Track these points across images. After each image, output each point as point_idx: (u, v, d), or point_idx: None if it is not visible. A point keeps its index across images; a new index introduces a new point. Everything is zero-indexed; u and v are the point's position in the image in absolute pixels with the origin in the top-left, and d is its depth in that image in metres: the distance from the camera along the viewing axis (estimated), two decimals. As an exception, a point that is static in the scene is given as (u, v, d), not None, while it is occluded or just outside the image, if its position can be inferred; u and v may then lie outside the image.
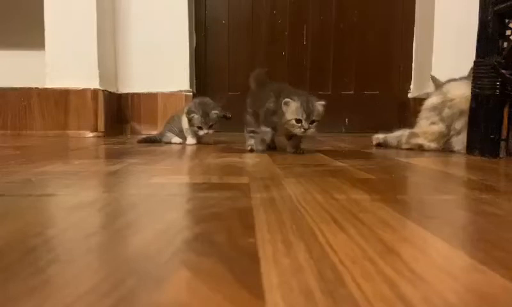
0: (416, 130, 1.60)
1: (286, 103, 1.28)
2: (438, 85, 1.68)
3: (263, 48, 2.69)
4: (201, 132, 1.75)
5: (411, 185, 0.88)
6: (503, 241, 0.45)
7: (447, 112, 1.52)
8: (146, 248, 0.41)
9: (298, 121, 1.28)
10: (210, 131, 1.76)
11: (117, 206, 0.61)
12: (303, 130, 1.28)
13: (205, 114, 1.74)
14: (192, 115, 1.74)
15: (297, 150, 1.38)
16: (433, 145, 1.53)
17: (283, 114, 1.29)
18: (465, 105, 1.43)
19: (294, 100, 1.28)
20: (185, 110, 1.78)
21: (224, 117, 1.89)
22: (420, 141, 1.56)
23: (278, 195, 0.68)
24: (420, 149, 1.54)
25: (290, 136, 1.38)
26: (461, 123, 1.47)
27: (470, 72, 1.55)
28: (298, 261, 0.37)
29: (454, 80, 1.62)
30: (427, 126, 1.56)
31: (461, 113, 1.46)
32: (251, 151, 1.41)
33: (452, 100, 1.52)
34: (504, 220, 0.54)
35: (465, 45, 1.73)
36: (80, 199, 0.64)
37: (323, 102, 1.30)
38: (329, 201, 0.63)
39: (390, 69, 2.66)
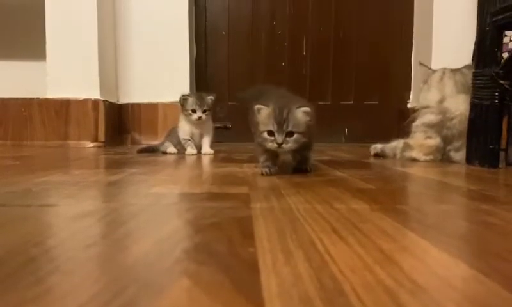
0: (410, 141, 1.59)
1: (258, 111, 1.03)
2: (427, 73, 1.69)
3: (263, 58, 2.70)
4: (194, 116, 1.71)
5: (410, 195, 0.88)
6: (503, 251, 0.45)
7: (445, 132, 1.52)
8: (146, 257, 0.41)
9: (270, 133, 1.01)
10: (204, 116, 1.72)
11: (117, 216, 0.61)
12: (275, 145, 1.00)
13: (200, 97, 1.74)
14: (185, 98, 1.73)
15: (302, 166, 1.12)
16: (428, 158, 1.53)
17: (257, 124, 1.04)
18: (465, 124, 1.42)
19: (267, 107, 1.02)
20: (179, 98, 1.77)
21: (225, 127, 1.90)
22: (414, 154, 1.55)
23: (278, 205, 0.68)
24: (415, 161, 1.53)
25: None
26: (460, 142, 1.47)
27: (464, 67, 1.58)
28: (298, 271, 0.37)
29: (445, 70, 1.64)
30: (422, 140, 1.56)
31: (461, 134, 1.46)
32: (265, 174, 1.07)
33: (451, 119, 1.51)
34: (504, 231, 0.54)
35: (465, 53, 1.74)
36: (81, 210, 0.65)
37: (307, 109, 1.01)
38: (329, 211, 0.63)
39: (389, 79, 2.67)
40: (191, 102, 1.73)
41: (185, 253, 0.43)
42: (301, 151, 1.07)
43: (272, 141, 1.00)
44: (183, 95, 1.76)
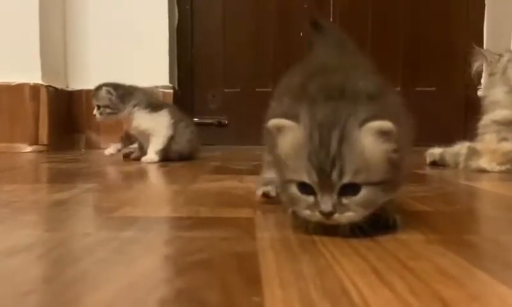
0: (478, 146, 1.58)
1: (277, 130, 0.71)
2: (492, 61, 1.68)
3: (272, 26, 2.71)
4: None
5: (481, 221, 0.87)
6: None
7: None
8: (107, 311, 0.41)
9: (304, 188, 0.69)
10: (97, 115, 1.80)
11: (66, 251, 0.61)
12: (318, 215, 0.68)
13: (96, 90, 1.83)
14: None
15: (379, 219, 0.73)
16: (504, 168, 1.52)
17: (278, 159, 0.73)
18: None
19: (295, 123, 0.69)
20: None
21: (219, 124, 1.92)
22: (483, 163, 1.53)
23: (295, 235, 0.68)
24: (484, 172, 1.52)
25: None
26: None
27: None
28: (323, 330, 0.37)
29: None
30: (495, 144, 1.55)
31: None
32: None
33: None
34: None
35: None
36: (15, 242, 0.64)
37: (386, 125, 0.64)
38: (366, 244, 0.62)
39: (452, 57, 2.67)
40: None
41: (162, 304, 0.43)
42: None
43: (311, 208, 0.68)
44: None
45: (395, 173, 0.68)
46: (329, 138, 0.65)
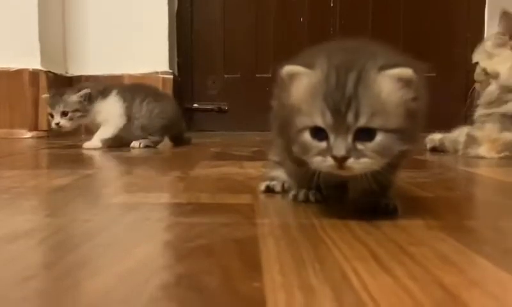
0: (477, 134, 1.58)
1: (290, 78, 0.70)
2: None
3: (273, 11, 2.70)
4: (52, 123, 1.72)
5: (481, 207, 0.87)
6: None
7: None
8: (108, 297, 0.41)
9: (317, 133, 0.65)
10: (63, 121, 1.70)
11: (65, 236, 0.61)
12: (331, 162, 0.64)
13: (55, 95, 1.73)
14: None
15: (376, 201, 0.72)
16: (503, 155, 1.51)
17: (288, 113, 0.70)
18: None
19: (311, 69, 0.68)
20: None
21: (219, 110, 1.90)
22: (482, 152, 1.53)
23: (295, 220, 0.68)
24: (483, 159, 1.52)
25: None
26: None
27: None
28: (323, 316, 0.37)
29: None
30: (495, 132, 1.54)
31: None
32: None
33: None
34: None
35: None
36: (15, 227, 0.65)
37: (406, 73, 0.64)
38: (367, 229, 0.62)
39: (453, 40, 2.66)
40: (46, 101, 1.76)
41: (162, 290, 0.43)
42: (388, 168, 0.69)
43: (323, 153, 0.64)
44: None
45: (412, 123, 0.66)
46: (345, 79, 0.63)
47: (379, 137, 0.62)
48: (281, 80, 0.70)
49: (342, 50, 0.70)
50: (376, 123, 0.62)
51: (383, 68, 0.64)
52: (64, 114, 1.68)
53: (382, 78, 0.63)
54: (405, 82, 0.64)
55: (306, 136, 0.65)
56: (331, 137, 0.62)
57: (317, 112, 0.63)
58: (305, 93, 0.65)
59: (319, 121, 0.63)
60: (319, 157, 0.64)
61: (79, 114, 1.70)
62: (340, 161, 0.62)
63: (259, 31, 2.68)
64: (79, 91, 1.71)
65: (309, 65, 0.66)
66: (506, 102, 1.59)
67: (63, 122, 1.69)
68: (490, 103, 1.63)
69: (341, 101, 0.62)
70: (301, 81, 0.66)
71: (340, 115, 0.62)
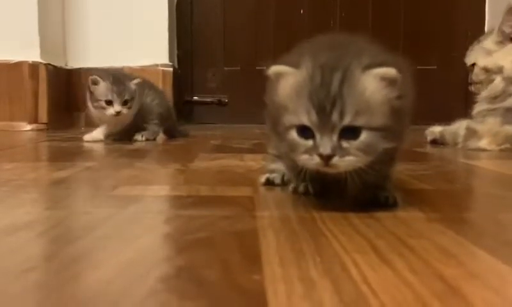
0: (478, 127, 1.57)
1: (276, 77, 0.72)
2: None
3: (273, 3, 2.70)
4: (110, 111, 1.61)
5: (481, 199, 0.87)
6: None
7: None
8: (108, 288, 0.41)
9: (303, 131, 0.67)
10: (125, 110, 1.63)
11: (65, 229, 0.61)
12: (317, 160, 0.65)
13: (117, 81, 1.62)
14: (96, 83, 1.60)
15: (374, 194, 0.74)
16: (503, 147, 1.51)
17: (276, 110, 0.73)
18: None
19: (296, 68, 0.69)
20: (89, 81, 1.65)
21: (219, 102, 1.89)
22: (483, 145, 1.53)
23: (295, 213, 0.68)
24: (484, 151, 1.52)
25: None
26: None
27: None
28: (323, 308, 0.37)
29: None
30: (496, 126, 1.54)
31: None
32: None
33: None
34: None
35: None
36: (14, 220, 0.65)
37: (389, 72, 0.65)
38: (366, 222, 0.62)
39: (453, 35, 2.65)
40: (103, 88, 1.61)
41: (162, 282, 0.43)
42: (376, 166, 0.70)
43: (309, 151, 0.66)
44: (93, 78, 1.64)
45: (396, 121, 0.67)
46: (330, 79, 0.64)
47: (364, 135, 0.64)
48: (270, 79, 0.72)
49: (329, 47, 0.72)
50: (360, 121, 0.64)
51: (368, 67, 0.65)
52: (125, 102, 1.62)
53: (366, 77, 0.65)
54: (389, 81, 0.65)
55: (293, 134, 0.67)
56: (317, 136, 0.64)
57: (302, 111, 0.65)
58: (291, 92, 0.67)
59: (304, 120, 0.64)
60: (305, 155, 0.66)
61: (134, 102, 1.65)
62: (326, 159, 0.64)
63: (259, 24, 2.68)
64: (130, 79, 1.67)
65: (295, 64, 0.68)
66: (511, 95, 1.59)
67: (125, 111, 1.62)
68: (495, 98, 1.63)
69: (326, 100, 0.63)
70: (287, 80, 0.68)
71: (325, 114, 0.63)
